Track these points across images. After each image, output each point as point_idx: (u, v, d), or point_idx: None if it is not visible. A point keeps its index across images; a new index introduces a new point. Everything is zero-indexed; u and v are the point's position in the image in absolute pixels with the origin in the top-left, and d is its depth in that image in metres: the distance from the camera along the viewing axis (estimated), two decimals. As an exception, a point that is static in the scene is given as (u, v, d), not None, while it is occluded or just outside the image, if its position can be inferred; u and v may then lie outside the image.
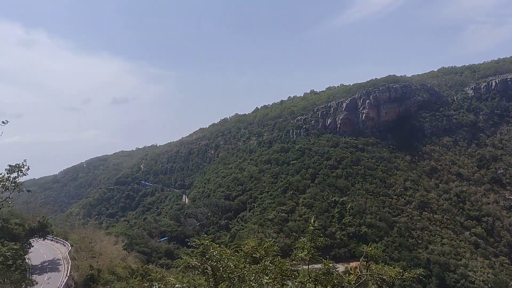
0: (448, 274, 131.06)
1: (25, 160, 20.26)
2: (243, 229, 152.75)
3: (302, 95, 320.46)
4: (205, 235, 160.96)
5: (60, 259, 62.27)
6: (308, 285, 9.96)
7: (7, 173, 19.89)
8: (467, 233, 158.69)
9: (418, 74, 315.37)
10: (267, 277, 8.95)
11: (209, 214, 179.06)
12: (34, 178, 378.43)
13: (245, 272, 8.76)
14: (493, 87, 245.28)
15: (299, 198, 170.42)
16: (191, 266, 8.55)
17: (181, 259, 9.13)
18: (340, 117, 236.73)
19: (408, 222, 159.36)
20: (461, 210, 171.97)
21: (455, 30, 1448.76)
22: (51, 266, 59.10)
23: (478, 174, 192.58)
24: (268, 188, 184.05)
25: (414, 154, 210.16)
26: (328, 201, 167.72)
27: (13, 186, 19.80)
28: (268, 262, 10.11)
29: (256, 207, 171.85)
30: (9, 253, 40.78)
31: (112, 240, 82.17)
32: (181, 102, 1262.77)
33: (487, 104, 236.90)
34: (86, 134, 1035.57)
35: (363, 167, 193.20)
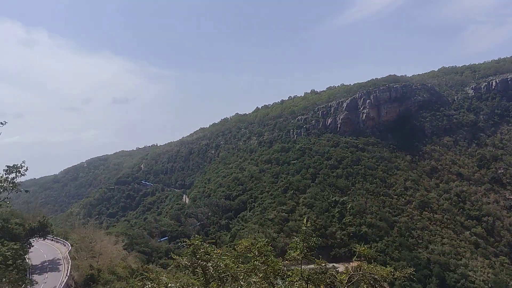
0: (448, 273, 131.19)
1: (23, 162, 20.42)
2: (243, 229, 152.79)
3: (302, 95, 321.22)
4: (203, 235, 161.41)
5: (60, 259, 62.36)
6: (297, 284, 10.05)
7: (5, 173, 20.03)
8: (467, 233, 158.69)
9: (418, 74, 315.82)
10: (255, 277, 9.03)
11: (209, 214, 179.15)
12: (34, 178, 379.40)
13: (235, 271, 8.86)
14: (493, 87, 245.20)
15: (299, 198, 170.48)
16: (181, 265, 8.68)
17: (171, 259, 9.25)
18: (341, 117, 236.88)
19: (409, 222, 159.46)
20: (461, 210, 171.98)
21: (455, 30, 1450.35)
22: (51, 266, 59.17)
23: (479, 174, 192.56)
24: (269, 188, 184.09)
25: (415, 154, 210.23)
26: (329, 201, 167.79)
27: (11, 186, 19.92)
28: (257, 261, 10.20)
29: (257, 207, 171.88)
30: (9, 253, 40.90)
31: (112, 240, 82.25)
32: (181, 102, 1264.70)
33: (488, 104, 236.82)
34: (86, 134, 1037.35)
35: (364, 167, 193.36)
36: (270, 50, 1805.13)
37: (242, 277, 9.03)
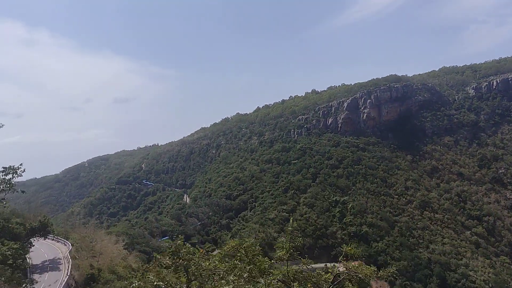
0: (449, 273, 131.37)
1: (21, 164, 20.64)
2: (244, 228, 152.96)
3: (303, 95, 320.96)
4: (204, 234, 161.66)
5: (61, 259, 62.67)
6: (273, 283, 10.26)
7: (2, 174, 20.25)
8: (468, 232, 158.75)
9: (419, 74, 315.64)
10: (232, 276, 9.24)
11: (210, 213, 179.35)
12: (35, 178, 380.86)
13: (215, 271, 9.09)
14: (494, 87, 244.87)
15: (300, 197, 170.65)
16: (162, 264, 8.91)
17: (154, 258, 9.49)
18: (341, 117, 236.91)
19: (409, 222, 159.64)
20: (462, 209, 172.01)
21: (455, 30, 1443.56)
22: (52, 265, 59.48)
23: (479, 173, 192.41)
24: (269, 188, 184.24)
25: (415, 153, 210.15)
26: (329, 200, 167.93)
27: (7, 187, 20.13)
28: (237, 260, 10.41)
29: (257, 206, 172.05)
30: (9, 252, 41.18)
31: (113, 240, 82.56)
32: (182, 101, 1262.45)
33: (488, 103, 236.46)
34: (87, 134, 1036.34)
35: (364, 166, 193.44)
36: (270, 50, 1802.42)
37: (221, 275, 9.25)
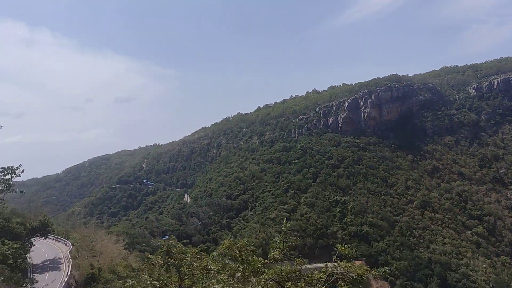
0: (449, 273, 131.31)
1: (20, 165, 20.76)
2: (244, 228, 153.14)
3: (304, 94, 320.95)
4: (205, 234, 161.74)
5: (61, 258, 62.78)
6: (264, 282, 10.35)
7: (0, 175, 20.34)
8: (469, 232, 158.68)
9: (420, 74, 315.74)
10: (223, 275, 9.34)
11: (210, 213, 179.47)
12: (36, 177, 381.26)
13: (207, 269, 9.19)
14: (495, 87, 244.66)
15: (300, 197, 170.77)
16: (154, 264, 9.01)
17: (146, 257, 9.60)
18: (342, 116, 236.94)
19: (410, 222, 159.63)
20: (462, 209, 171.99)
21: (455, 30, 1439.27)
22: (52, 265, 59.59)
23: (480, 173, 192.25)
24: (270, 187, 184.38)
25: (416, 153, 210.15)
26: (330, 200, 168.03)
27: (6, 187, 20.24)
28: (227, 260, 10.52)
29: (258, 206, 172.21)
30: (9, 252, 41.30)
31: (113, 239, 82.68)
32: (182, 101, 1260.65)
33: (489, 103, 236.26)
34: (88, 134, 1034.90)
35: (365, 166, 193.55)
36: (270, 50, 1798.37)
37: (211, 275, 9.35)
